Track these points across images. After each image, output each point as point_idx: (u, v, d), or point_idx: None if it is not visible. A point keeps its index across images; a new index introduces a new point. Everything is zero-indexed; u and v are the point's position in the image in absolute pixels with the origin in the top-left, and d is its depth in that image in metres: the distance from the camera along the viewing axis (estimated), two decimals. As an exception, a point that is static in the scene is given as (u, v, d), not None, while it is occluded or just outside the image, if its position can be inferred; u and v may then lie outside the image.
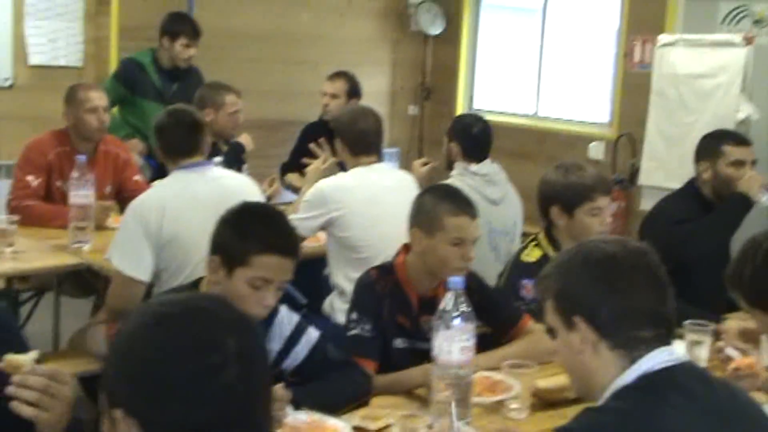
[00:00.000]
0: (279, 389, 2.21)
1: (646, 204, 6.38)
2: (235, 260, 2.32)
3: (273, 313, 2.51)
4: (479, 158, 4.37)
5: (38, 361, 1.67)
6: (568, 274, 1.74)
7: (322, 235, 4.05)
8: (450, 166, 4.42)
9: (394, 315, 2.83)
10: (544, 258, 3.24)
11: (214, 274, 2.37)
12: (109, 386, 1.27)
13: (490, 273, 4.02)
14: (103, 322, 3.68)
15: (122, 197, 4.53)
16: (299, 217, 3.91)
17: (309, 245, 4.11)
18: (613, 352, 1.69)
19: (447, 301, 2.38)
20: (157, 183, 3.65)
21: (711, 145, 3.94)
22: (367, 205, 3.86)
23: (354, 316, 2.80)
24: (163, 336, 1.24)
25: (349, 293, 3.84)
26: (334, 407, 2.42)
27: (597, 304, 1.69)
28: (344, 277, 3.88)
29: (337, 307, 3.89)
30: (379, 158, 4.07)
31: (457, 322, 2.35)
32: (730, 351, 2.69)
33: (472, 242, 2.80)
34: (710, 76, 5.99)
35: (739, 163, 3.81)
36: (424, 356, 2.78)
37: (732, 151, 3.84)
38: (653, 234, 3.87)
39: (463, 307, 2.37)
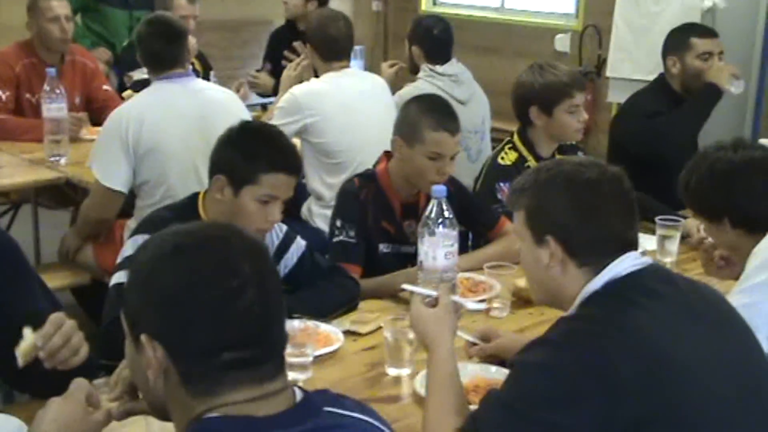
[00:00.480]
0: None
1: (614, 96, 6.48)
2: (243, 179, 2.40)
3: (262, 225, 2.60)
4: (443, 59, 4.43)
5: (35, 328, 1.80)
6: (546, 193, 1.81)
7: (296, 141, 4.11)
8: (414, 70, 4.47)
9: (378, 221, 2.93)
10: (521, 160, 3.33)
11: (218, 192, 2.44)
12: (133, 314, 1.36)
13: (463, 172, 4.10)
14: (81, 234, 3.76)
15: (92, 108, 4.54)
16: (273, 123, 3.96)
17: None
18: (581, 269, 1.79)
19: (430, 209, 2.48)
20: (138, 94, 3.66)
21: (678, 39, 4.02)
22: (341, 110, 3.92)
23: (338, 223, 2.89)
24: (184, 265, 1.33)
25: (325, 198, 3.95)
26: (325, 313, 2.54)
27: (572, 228, 1.78)
28: (320, 182, 3.97)
29: (315, 212, 3.99)
30: (349, 62, 4.12)
31: (440, 228, 2.46)
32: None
33: (450, 157, 2.88)
34: (677, -37, 6.02)
35: (706, 55, 3.90)
36: (408, 259, 2.93)
37: (699, 44, 3.92)
38: (626, 129, 4.00)
39: (447, 214, 2.48)
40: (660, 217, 3.10)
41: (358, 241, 2.88)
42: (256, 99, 5.29)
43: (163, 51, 3.52)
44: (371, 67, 8.40)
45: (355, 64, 8.14)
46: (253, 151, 2.41)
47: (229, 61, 7.37)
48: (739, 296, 2.14)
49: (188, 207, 2.52)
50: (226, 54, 7.39)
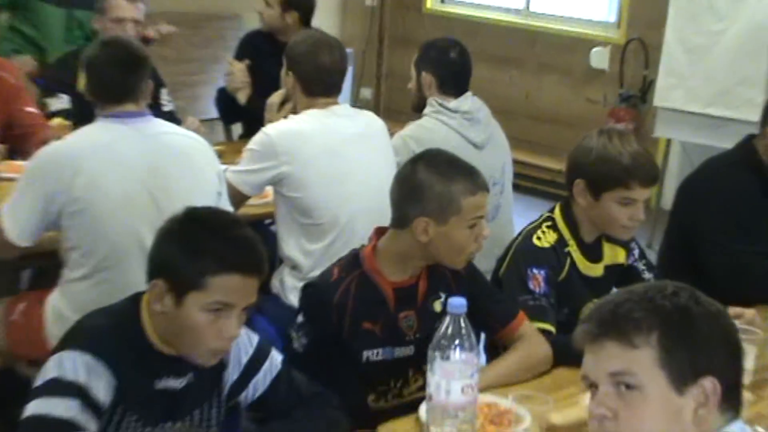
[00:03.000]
0: None
1: (662, 130, 6.41)
2: (186, 284, 2.28)
3: (231, 336, 2.47)
4: (458, 91, 4.32)
5: None
6: (695, 328, 1.80)
7: (270, 190, 3.98)
8: (419, 105, 4.35)
9: (358, 322, 2.81)
10: (560, 243, 3.22)
11: (158, 302, 2.31)
12: None
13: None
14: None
15: (13, 134, 4.41)
16: (241, 170, 3.83)
17: (253, 203, 4.04)
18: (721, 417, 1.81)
19: (445, 327, 2.34)
20: (76, 132, 3.51)
21: None
22: (326, 157, 3.77)
23: (299, 319, 2.86)
24: None
25: (303, 267, 3.81)
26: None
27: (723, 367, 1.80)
28: (297, 248, 3.83)
29: (289, 285, 3.85)
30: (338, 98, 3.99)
31: (457, 353, 2.32)
32: None
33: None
34: (746, -30, 5.95)
35: None
36: (408, 365, 2.87)
37: None
38: (705, 224, 3.81)
39: (466, 334, 2.34)
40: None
41: (310, 350, 2.80)
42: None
43: (114, 81, 3.41)
44: (362, 74, 8.35)
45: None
46: (197, 246, 2.30)
47: (186, 65, 7.27)
48: None
49: (128, 314, 2.38)
50: (183, 56, 7.27)
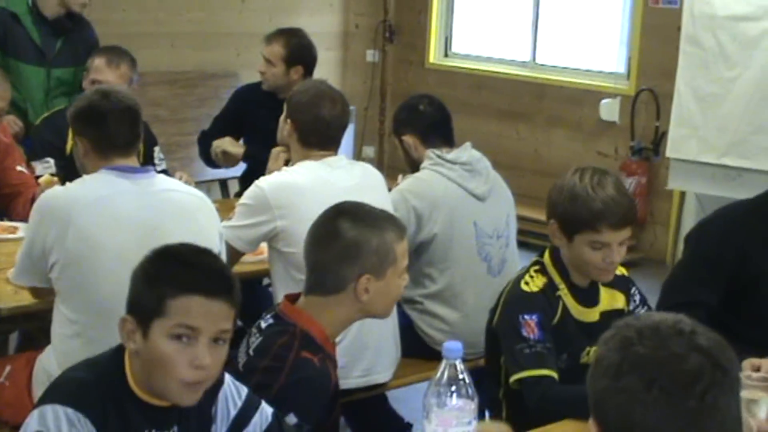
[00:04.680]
0: None
1: (676, 182, 6.44)
2: (148, 312, 2.30)
3: (216, 387, 2.48)
4: (444, 141, 4.37)
5: None
6: (630, 400, 1.72)
7: (264, 246, 4.01)
8: (415, 168, 4.40)
9: (336, 400, 2.87)
10: (550, 287, 3.23)
11: (129, 341, 2.34)
12: None
13: (484, 290, 4.01)
14: None
15: (1, 194, 4.46)
16: (234, 225, 3.85)
17: (248, 260, 4.07)
18: None
19: (441, 373, 2.36)
20: (73, 183, 3.54)
21: None
22: (321, 209, 3.79)
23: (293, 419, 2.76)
24: None
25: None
26: None
27: None
28: (292, 304, 3.86)
29: (287, 343, 3.87)
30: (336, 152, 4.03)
31: (454, 400, 2.34)
32: None
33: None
34: (757, 18, 6.02)
35: None
36: None
37: None
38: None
39: (463, 380, 2.36)
40: (744, 374, 2.98)
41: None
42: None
43: (120, 133, 3.44)
44: (363, 132, 8.42)
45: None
46: (156, 273, 2.35)
47: (180, 124, 7.33)
48: None
49: (111, 365, 2.40)
50: (177, 115, 7.36)
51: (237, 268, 4.00)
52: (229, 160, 5.24)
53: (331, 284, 2.85)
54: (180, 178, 4.73)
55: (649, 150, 7.04)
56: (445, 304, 4.23)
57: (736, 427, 1.72)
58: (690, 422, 1.67)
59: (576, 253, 3.18)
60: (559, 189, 3.22)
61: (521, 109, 7.68)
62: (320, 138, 3.96)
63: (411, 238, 4.21)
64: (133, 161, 3.48)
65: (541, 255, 3.34)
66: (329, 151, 3.98)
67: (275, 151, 4.40)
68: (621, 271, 3.39)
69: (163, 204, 3.42)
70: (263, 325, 2.87)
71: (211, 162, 5.48)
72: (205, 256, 2.44)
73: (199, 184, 5.42)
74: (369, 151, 8.52)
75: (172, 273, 2.34)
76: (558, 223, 3.19)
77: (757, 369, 3.12)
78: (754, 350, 3.45)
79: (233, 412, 2.51)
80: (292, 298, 2.92)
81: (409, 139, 4.41)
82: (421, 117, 4.42)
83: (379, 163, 8.19)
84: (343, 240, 2.87)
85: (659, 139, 6.92)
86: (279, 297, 3.87)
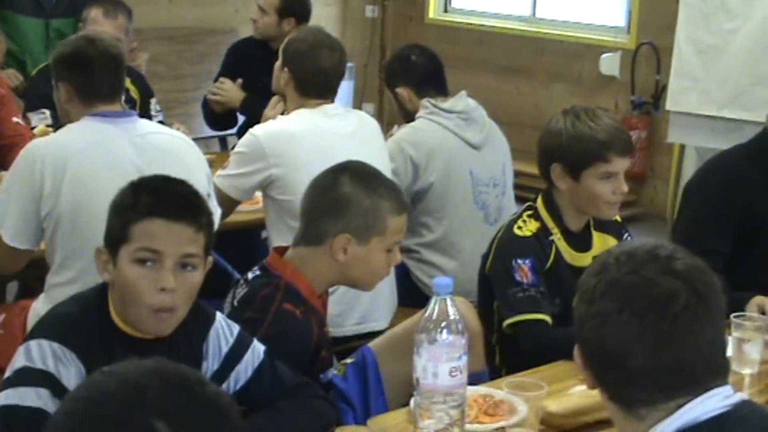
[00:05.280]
0: None
1: (676, 136, 6.43)
2: (116, 240, 2.35)
3: (208, 324, 2.50)
4: (439, 91, 4.37)
5: None
6: (603, 323, 1.74)
7: (259, 195, 4.02)
8: (410, 120, 4.40)
9: (318, 354, 2.83)
10: (543, 231, 3.24)
11: (105, 272, 2.39)
12: None
13: (480, 239, 4.02)
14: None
15: (-1, 145, 4.47)
16: (229, 173, 3.86)
17: (243, 209, 4.08)
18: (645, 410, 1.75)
19: (431, 309, 2.38)
20: (60, 131, 3.54)
21: None
22: (317, 159, 3.76)
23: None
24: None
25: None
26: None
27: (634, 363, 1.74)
28: (288, 252, 3.87)
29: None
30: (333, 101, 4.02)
31: (444, 335, 2.35)
32: None
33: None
34: (757, -31, 5.99)
35: None
36: None
37: None
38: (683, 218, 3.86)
39: (453, 315, 2.37)
40: (735, 315, 3.00)
41: None
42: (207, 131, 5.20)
43: (105, 80, 3.44)
44: (363, 89, 8.40)
45: (344, 86, 8.18)
46: (122, 202, 2.40)
47: (180, 81, 7.32)
48: None
49: (96, 299, 2.43)
50: (176, 71, 7.34)
51: (233, 218, 4.02)
52: (222, 102, 5.21)
53: (311, 235, 2.83)
54: (177, 129, 4.75)
55: (650, 104, 7.03)
56: (442, 252, 4.25)
57: (711, 351, 1.73)
58: (661, 345, 1.69)
59: (585, 191, 3.18)
60: (556, 133, 3.22)
61: (521, 64, 7.65)
62: (318, 88, 3.95)
63: (408, 187, 4.23)
64: (116, 108, 3.48)
65: (534, 200, 3.35)
66: (326, 100, 3.97)
67: (275, 99, 4.40)
68: (616, 217, 3.40)
69: (151, 147, 3.42)
70: (250, 276, 2.87)
71: (216, 125, 5.51)
72: (173, 183, 2.46)
73: (198, 140, 5.41)
74: (369, 108, 8.50)
75: (136, 199, 2.37)
76: (562, 166, 3.19)
77: (762, 311, 3.14)
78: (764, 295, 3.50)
79: (225, 349, 2.53)
80: (280, 251, 2.90)
81: (403, 91, 4.41)
82: (414, 68, 4.43)
83: (379, 120, 8.12)
84: (335, 193, 2.85)
85: (659, 93, 6.90)
86: (273, 244, 3.89)
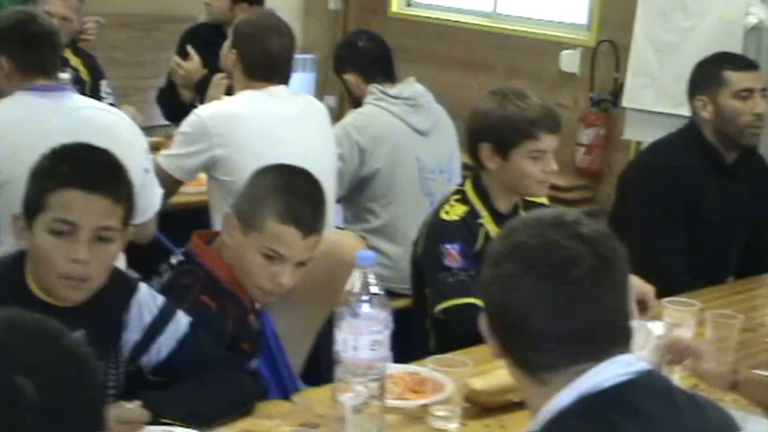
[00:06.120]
0: (133, 410, 2.20)
1: (632, 133, 6.45)
2: (32, 207, 2.36)
3: (130, 294, 2.51)
4: (386, 77, 4.39)
5: None
6: (507, 285, 1.74)
7: (202, 179, 4.02)
8: (358, 106, 4.41)
9: (236, 346, 2.80)
10: (472, 215, 3.26)
11: (21, 239, 2.40)
12: None
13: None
14: None
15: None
16: (173, 153, 3.88)
17: (192, 191, 4.08)
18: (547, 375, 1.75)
19: (354, 281, 2.37)
20: None
21: (707, 74, 3.97)
22: (260, 140, 3.81)
23: None
24: None
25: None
26: (207, 419, 2.41)
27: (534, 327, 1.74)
28: (229, 234, 3.86)
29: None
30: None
31: (365, 308, 2.35)
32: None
33: (296, 264, 2.79)
34: (715, -33, 6.01)
35: (745, 93, 3.83)
36: None
37: (735, 78, 3.86)
38: (637, 189, 3.92)
39: (374, 289, 2.37)
40: (668, 299, 3.03)
41: None
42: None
43: (35, 53, 3.43)
44: (325, 81, 8.38)
45: (305, 78, 8.16)
46: (40, 168, 2.40)
47: (138, 68, 7.29)
48: None
49: (12, 266, 2.44)
50: (135, 59, 7.31)
51: (179, 200, 4.03)
52: (182, 76, 5.17)
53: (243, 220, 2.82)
54: (127, 112, 4.73)
55: (608, 102, 7.03)
56: (387, 239, 4.26)
57: (614, 318, 1.73)
58: (563, 309, 1.69)
59: (514, 170, 3.20)
60: (484, 114, 3.24)
61: (482, 59, 7.65)
62: (266, 71, 3.96)
63: (354, 172, 4.24)
64: (49, 81, 3.46)
65: (462, 185, 3.37)
66: (274, 84, 3.97)
67: (216, 77, 4.40)
68: (543, 200, 3.42)
69: (84, 121, 3.42)
70: (174, 261, 2.86)
71: (173, 118, 5.48)
72: (93, 152, 2.47)
73: (154, 128, 5.42)
74: (330, 100, 8.47)
75: (54, 168, 2.38)
76: (491, 145, 3.20)
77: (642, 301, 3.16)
78: (698, 277, 3.55)
79: (148, 320, 2.53)
80: (204, 236, 2.88)
81: (350, 77, 4.43)
82: (362, 53, 4.45)
83: (340, 114, 8.14)
84: (252, 181, 2.88)
85: (618, 90, 6.91)
86: (216, 226, 3.89)
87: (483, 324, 1.81)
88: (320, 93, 8.32)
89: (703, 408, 1.77)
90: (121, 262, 3.31)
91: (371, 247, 4.23)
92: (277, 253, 2.73)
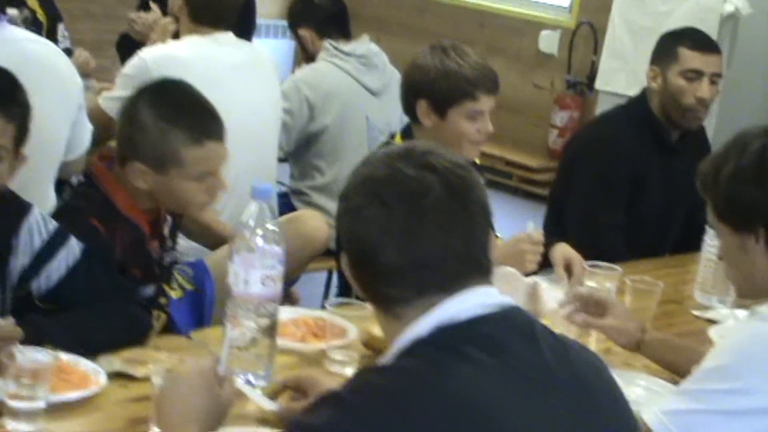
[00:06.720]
0: (2, 327, 2.14)
1: (602, 116, 6.39)
2: None
3: (20, 218, 2.45)
4: (341, 34, 4.36)
5: None
6: (356, 218, 1.71)
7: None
8: (311, 61, 4.37)
9: (127, 269, 2.73)
10: None
11: None
12: None
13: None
14: None
15: None
16: (114, 95, 3.81)
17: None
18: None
19: (248, 215, 2.32)
20: None
21: (666, 46, 3.91)
22: (205, 86, 3.68)
23: None
24: None
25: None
26: (95, 348, 2.35)
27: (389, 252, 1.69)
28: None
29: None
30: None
31: (259, 242, 2.30)
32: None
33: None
34: (694, -47, 5.97)
35: (693, 74, 3.76)
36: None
37: (687, 57, 3.78)
38: (574, 155, 3.90)
39: (270, 225, 2.32)
40: (590, 263, 2.99)
41: None
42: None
43: None
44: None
45: (285, 45, 8.09)
46: None
47: (113, 22, 7.19)
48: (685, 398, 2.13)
49: None
50: (110, 12, 7.28)
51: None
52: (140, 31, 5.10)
53: (119, 158, 2.73)
54: (79, 56, 4.67)
55: (584, 85, 7.00)
56: (332, 197, 4.20)
57: (466, 249, 1.68)
58: (409, 239, 1.64)
59: (450, 129, 3.13)
60: (423, 69, 3.16)
61: (462, 35, 7.58)
62: (211, 15, 3.89)
63: (302, 128, 4.19)
64: None
65: (392, 138, 3.34)
66: (219, 30, 3.91)
67: (163, 21, 4.34)
68: (475, 161, 3.37)
69: (21, 54, 3.35)
70: (75, 182, 2.79)
71: None
72: None
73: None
74: (309, 68, 8.45)
75: None
76: (428, 102, 3.14)
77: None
78: (638, 252, 3.52)
79: (38, 244, 2.47)
80: (106, 158, 2.78)
81: (305, 32, 4.39)
82: (317, 9, 4.41)
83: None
84: (131, 118, 2.74)
85: (594, 73, 6.87)
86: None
87: (343, 263, 1.76)
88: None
89: (567, 348, 1.72)
90: (50, 203, 3.28)
91: (314, 204, 4.21)
92: (209, 170, 2.70)
